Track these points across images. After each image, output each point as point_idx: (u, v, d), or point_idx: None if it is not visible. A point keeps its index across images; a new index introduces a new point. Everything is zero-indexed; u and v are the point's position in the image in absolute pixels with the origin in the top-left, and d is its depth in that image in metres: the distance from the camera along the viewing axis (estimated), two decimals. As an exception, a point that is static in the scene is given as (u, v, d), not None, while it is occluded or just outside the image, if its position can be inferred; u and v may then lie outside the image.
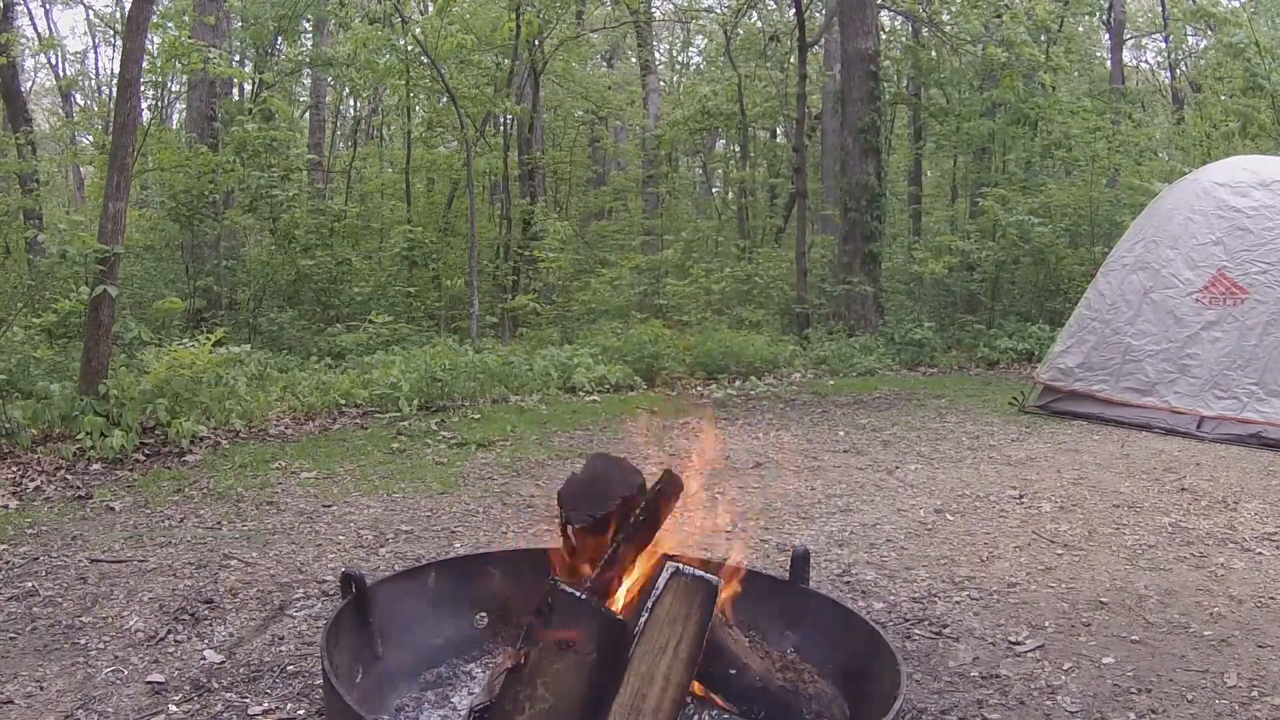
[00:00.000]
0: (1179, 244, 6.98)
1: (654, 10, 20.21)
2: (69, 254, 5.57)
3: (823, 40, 15.73)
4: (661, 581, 1.95)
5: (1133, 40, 21.62)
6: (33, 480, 4.82)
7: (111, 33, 21.32)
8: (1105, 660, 2.92)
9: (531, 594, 2.11)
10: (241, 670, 2.77)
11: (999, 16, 13.69)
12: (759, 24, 20.06)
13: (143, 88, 7.63)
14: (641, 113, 18.65)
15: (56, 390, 5.51)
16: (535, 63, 13.92)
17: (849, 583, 3.59)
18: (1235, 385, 6.42)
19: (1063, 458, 5.76)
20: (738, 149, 19.14)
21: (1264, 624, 3.20)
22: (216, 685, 2.67)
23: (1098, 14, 17.72)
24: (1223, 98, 14.71)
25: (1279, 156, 8.16)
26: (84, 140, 18.94)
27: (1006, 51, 12.97)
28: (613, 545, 2.23)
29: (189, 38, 9.45)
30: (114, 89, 8.44)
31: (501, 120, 14.90)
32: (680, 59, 26.37)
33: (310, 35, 16.17)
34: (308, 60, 15.02)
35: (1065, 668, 2.87)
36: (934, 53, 16.03)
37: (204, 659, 2.84)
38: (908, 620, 3.24)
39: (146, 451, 5.45)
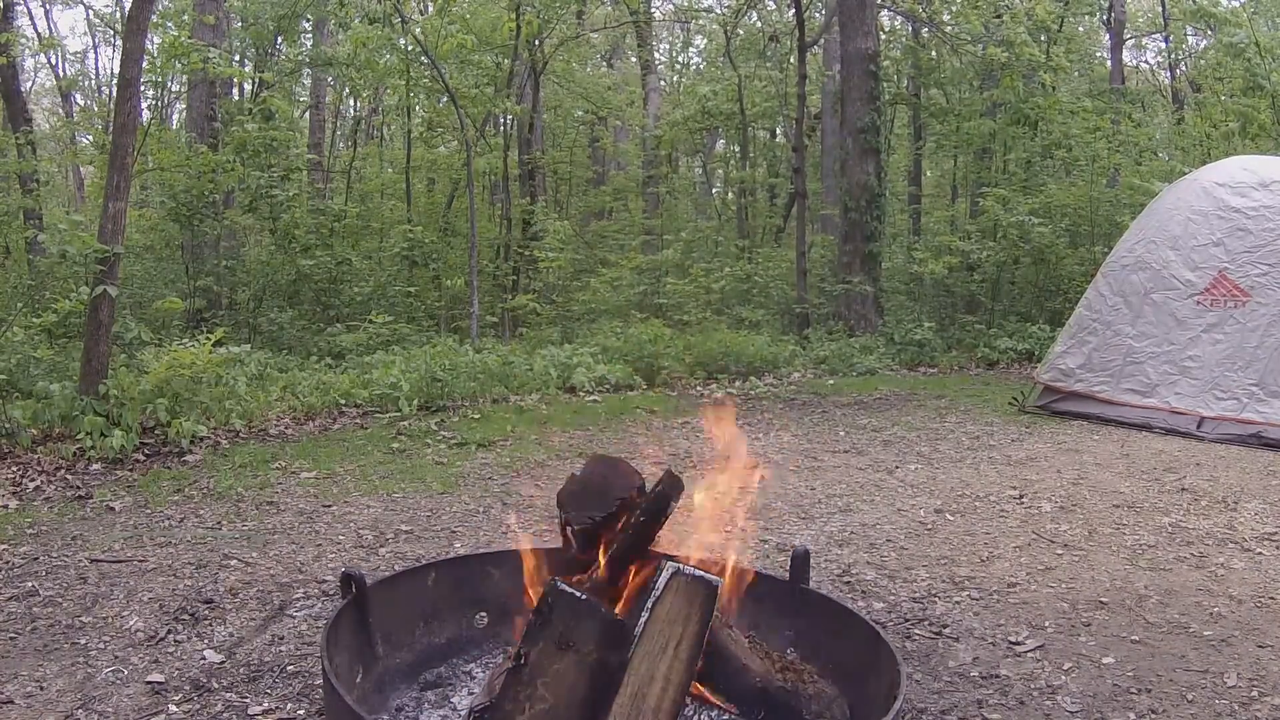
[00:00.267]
0: (1179, 245, 6.98)
1: (654, 10, 20.21)
2: (69, 254, 5.57)
3: (822, 40, 15.72)
4: (661, 582, 1.95)
5: (1133, 40, 21.61)
6: (33, 480, 4.82)
7: (111, 33, 21.32)
8: (1105, 660, 2.92)
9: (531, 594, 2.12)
10: (241, 670, 2.77)
11: (999, 16, 13.69)
12: (759, 24, 20.06)
13: (143, 88, 7.64)
14: (641, 113, 18.65)
15: (56, 390, 5.52)
16: (535, 63, 13.92)
17: (849, 583, 3.59)
18: (1235, 386, 6.42)
19: (1063, 458, 5.76)
20: (738, 149, 19.14)
21: (1264, 624, 3.20)
22: (216, 685, 2.67)
23: (1098, 14, 17.72)
24: (1223, 98, 14.70)
25: (1279, 156, 8.16)
26: (84, 140, 18.96)
27: (1006, 51, 12.97)
28: (613, 546, 2.23)
29: (189, 38, 9.46)
30: (114, 89, 8.43)
31: (501, 120, 14.91)
32: (680, 59, 26.40)
33: (310, 35, 16.17)
34: (308, 60, 15.03)
35: (1065, 668, 2.87)
36: (934, 53, 16.03)
37: (204, 659, 2.84)
38: (908, 620, 3.24)
39: (146, 451, 5.45)
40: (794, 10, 13.09)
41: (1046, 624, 3.20)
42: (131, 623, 3.10)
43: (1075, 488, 5.01)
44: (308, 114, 18.61)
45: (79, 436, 5.25)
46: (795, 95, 13.21)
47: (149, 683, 2.68)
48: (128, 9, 7.31)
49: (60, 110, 22.35)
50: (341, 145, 19.68)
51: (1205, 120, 14.49)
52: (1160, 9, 19.22)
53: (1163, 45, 20.37)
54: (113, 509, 4.43)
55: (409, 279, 12.25)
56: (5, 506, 4.41)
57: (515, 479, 5.16)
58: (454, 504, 4.63)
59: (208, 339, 6.22)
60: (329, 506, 4.54)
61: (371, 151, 19.17)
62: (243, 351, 6.72)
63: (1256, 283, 6.57)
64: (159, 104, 16.15)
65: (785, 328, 11.90)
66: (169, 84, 15.02)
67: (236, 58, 14.86)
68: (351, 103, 20.76)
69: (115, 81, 7.44)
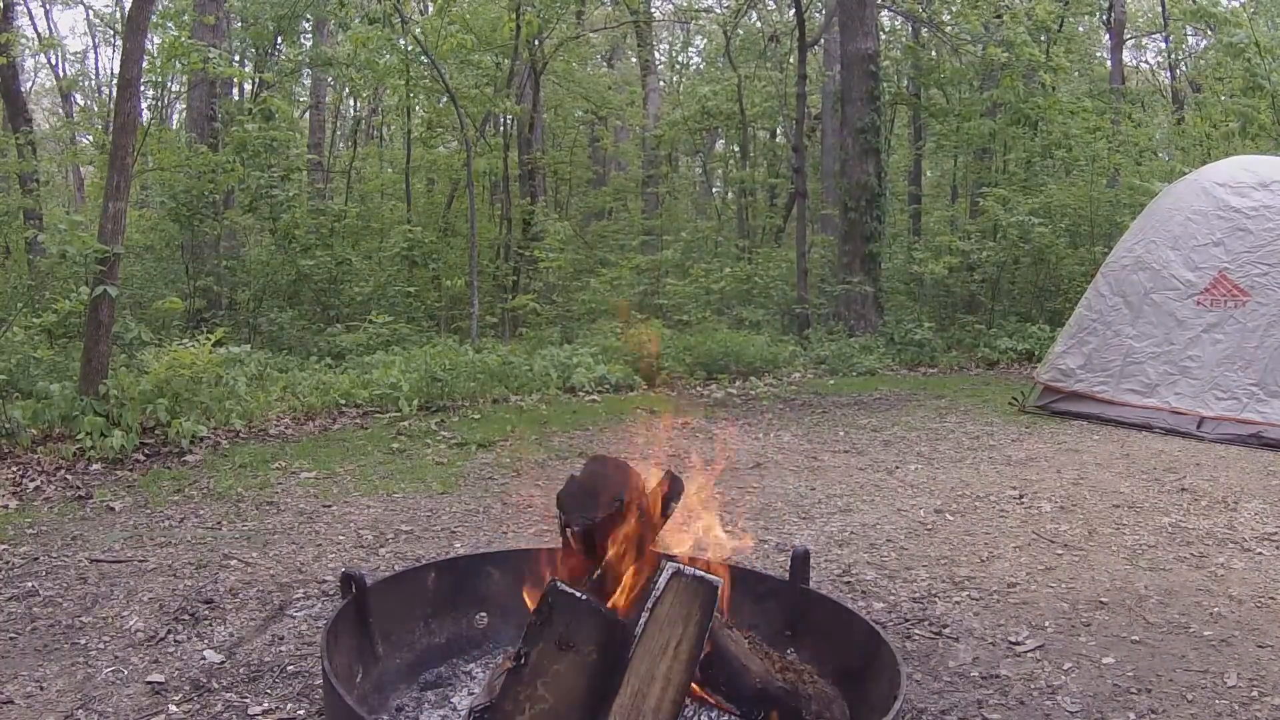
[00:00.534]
0: (1179, 245, 6.98)
1: (654, 10, 20.21)
2: (69, 254, 5.57)
3: (822, 40, 15.72)
4: (662, 582, 1.95)
5: (1133, 40, 21.62)
6: (33, 480, 4.82)
7: (111, 33, 21.33)
8: (1105, 660, 2.92)
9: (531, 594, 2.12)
10: (241, 670, 2.77)
11: (999, 17, 13.70)
12: (759, 24, 20.07)
13: (143, 88, 7.63)
14: (641, 113, 18.65)
15: (56, 390, 5.52)
16: (535, 63, 13.91)
17: (849, 583, 3.59)
18: (1235, 386, 6.42)
19: (1063, 458, 5.76)
20: (737, 149, 19.15)
21: (1264, 624, 3.20)
22: (216, 685, 2.67)
23: (1098, 14, 17.71)
24: (1223, 98, 14.70)
25: (1279, 156, 8.16)
26: (84, 140, 18.94)
27: (1006, 51, 12.97)
28: (613, 546, 2.23)
29: (189, 38, 9.47)
30: (114, 89, 8.43)
31: (501, 120, 14.90)
32: (680, 59, 26.39)
33: (310, 35, 16.17)
34: (308, 60, 15.03)
35: (1065, 668, 2.87)
36: (934, 53, 16.03)
37: (204, 659, 2.84)
38: (908, 620, 3.24)
39: (146, 451, 5.45)
40: (794, 10, 13.10)
41: (1046, 624, 3.20)
42: (131, 623, 3.10)
43: (1075, 488, 5.01)
44: (308, 114, 18.62)
45: (79, 436, 5.25)
46: (795, 95, 13.21)
47: (149, 683, 2.68)
48: (128, 9, 7.31)
49: (60, 110, 22.36)
50: (341, 145, 19.68)
51: (1205, 120, 14.49)
52: (1160, 9, 19.22)
53: (1163, 45, 20.39)
54: (113, 509, 4.43)
55: (409, 279, 12.25)
56: (5, 506, 4.41)
57: (515, 479, 5.16)
58: (454, 504, 4.63)
59: (208, 339, 6.22)
60: (329, 506, 4.54)
61: (371, 151, 19.17)
62: (243, 351, 6.73)
63: (1256, 283, 6.57)
64: (159, 104, 16.14)
65: (785, 328, 11.90)
66: (169, 84, 14.99)
67: (236, 58, 14.88)
68: (351, 103, 20.77)
69: (115, 81, 7.44)
